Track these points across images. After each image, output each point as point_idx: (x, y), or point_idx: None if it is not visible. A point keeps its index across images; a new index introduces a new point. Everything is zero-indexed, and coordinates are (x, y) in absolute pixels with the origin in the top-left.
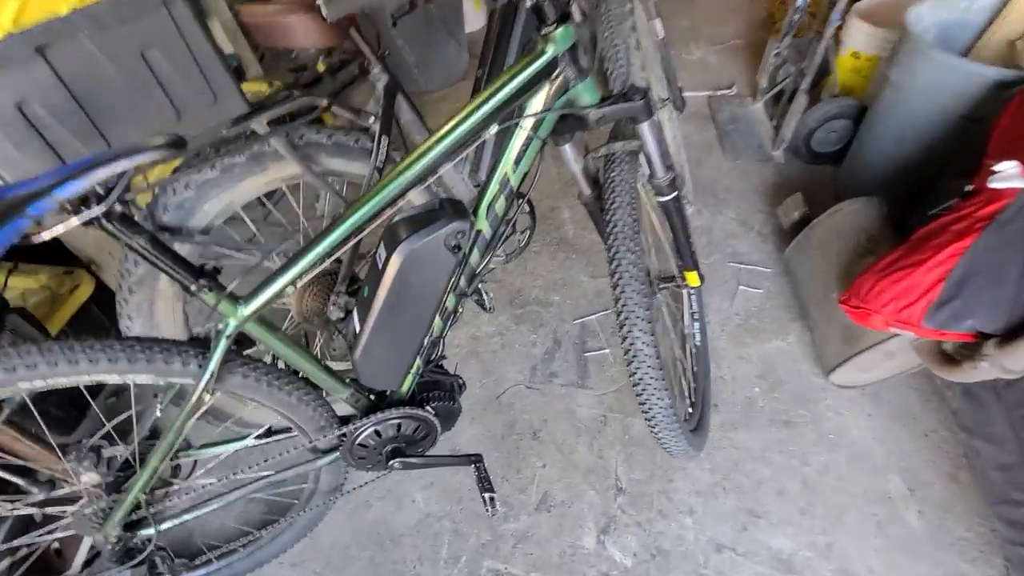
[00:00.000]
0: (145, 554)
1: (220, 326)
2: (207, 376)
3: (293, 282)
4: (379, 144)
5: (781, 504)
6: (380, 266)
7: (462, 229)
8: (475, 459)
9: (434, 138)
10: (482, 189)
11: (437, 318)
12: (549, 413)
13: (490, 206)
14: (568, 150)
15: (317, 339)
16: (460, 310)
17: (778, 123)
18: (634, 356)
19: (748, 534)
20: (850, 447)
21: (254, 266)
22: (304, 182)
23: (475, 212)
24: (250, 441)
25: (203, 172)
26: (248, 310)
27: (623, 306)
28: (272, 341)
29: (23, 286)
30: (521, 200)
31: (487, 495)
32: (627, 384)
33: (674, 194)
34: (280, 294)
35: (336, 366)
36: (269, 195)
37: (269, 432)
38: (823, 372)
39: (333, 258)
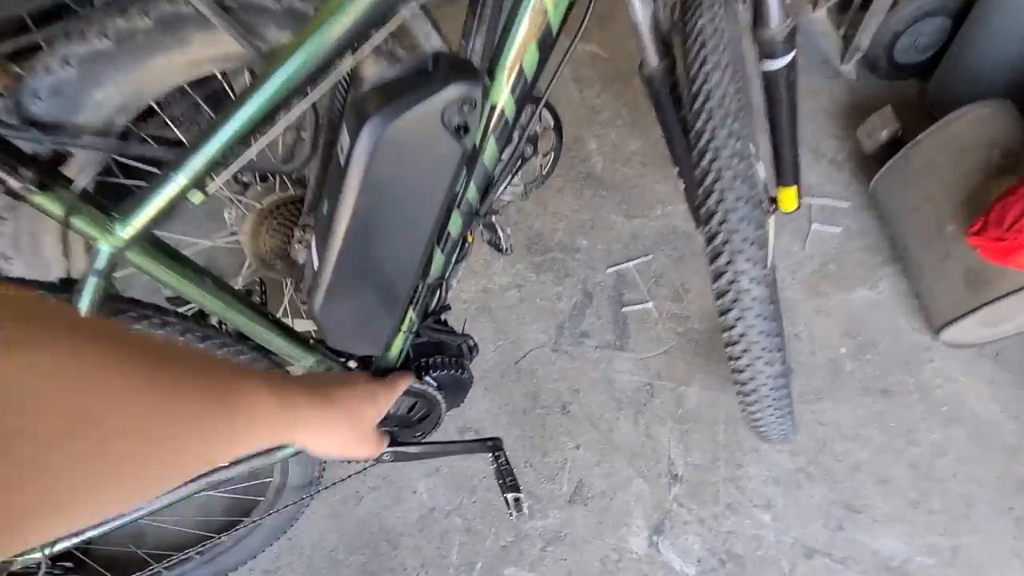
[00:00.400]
0: None
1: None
2: None
3: (198, 185)
4: None
5: (886, 495)
6: (343, 160)
7: (469, 96)
8: (493, 444)
9: None
10: (498, 45)
11: (437, 250)
12: (581, 382)
13: (514, 70)
14: None
15: (285, 289)
16: (470, 240)
17: (848, 32)
18: (738, 307)
19: (845, 534)
20: (970, 422)
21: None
22: (250, 68)
23: (490, 74)
24: None
25: (88, 42)
26: (128, 230)
27: (721, 233)
28: (183, 284)
29: None
30: (538, 106)
31: (511, 496)
32: (678, 345)
33: (790, 56)
34: (174, 204)
35: (306, 325)
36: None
37: None
38: (930, 328)
39: (258, 145)
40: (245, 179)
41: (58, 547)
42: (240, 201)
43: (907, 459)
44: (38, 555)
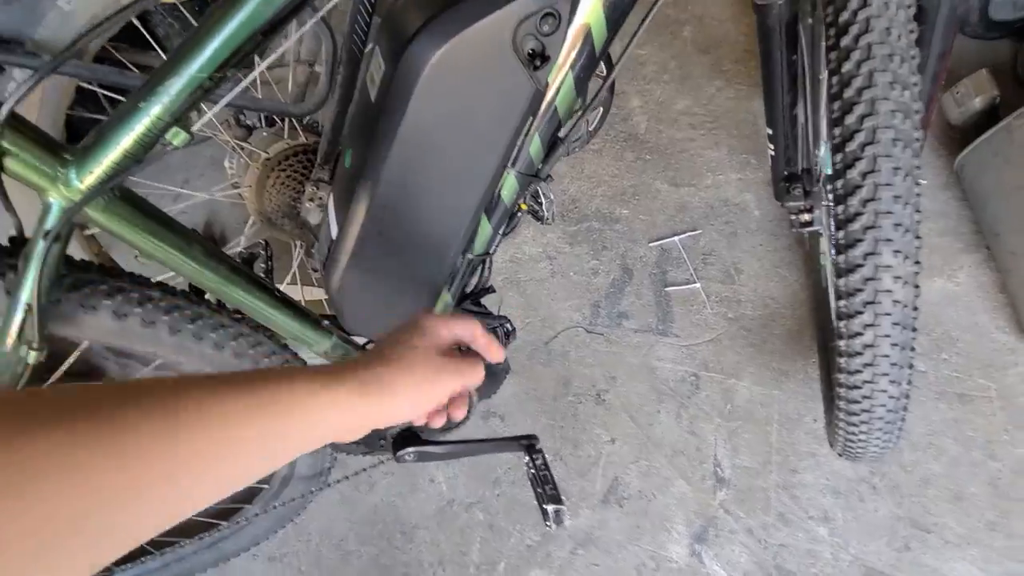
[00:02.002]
0: None
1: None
2: (16, 312)
3: (177, 120)
4: None
5: (960, 514)
6: (374, 96)
7: (554, 5)
8: (528, 443)
9: None
10: None
11: (483, 218)
12: (619, 368)
13: None
14: None
15: (294, 253)
16: (522, 209)
17: None
18: (871, 312)
19: (912, 555)
20: None
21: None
22: None
23: None
24: None
25: None
26: (87, 178)
27: (865, 215)
28: (162, 250)
29: None
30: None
31: (551, 508)
32: (727, 332)
33: None
34: (147, 145)
35: (318, 294)
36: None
37: None
38: (1018, 328)
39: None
40: (249, 122)
41: None
42: (242, 148)
43: (985, 474)
44: None
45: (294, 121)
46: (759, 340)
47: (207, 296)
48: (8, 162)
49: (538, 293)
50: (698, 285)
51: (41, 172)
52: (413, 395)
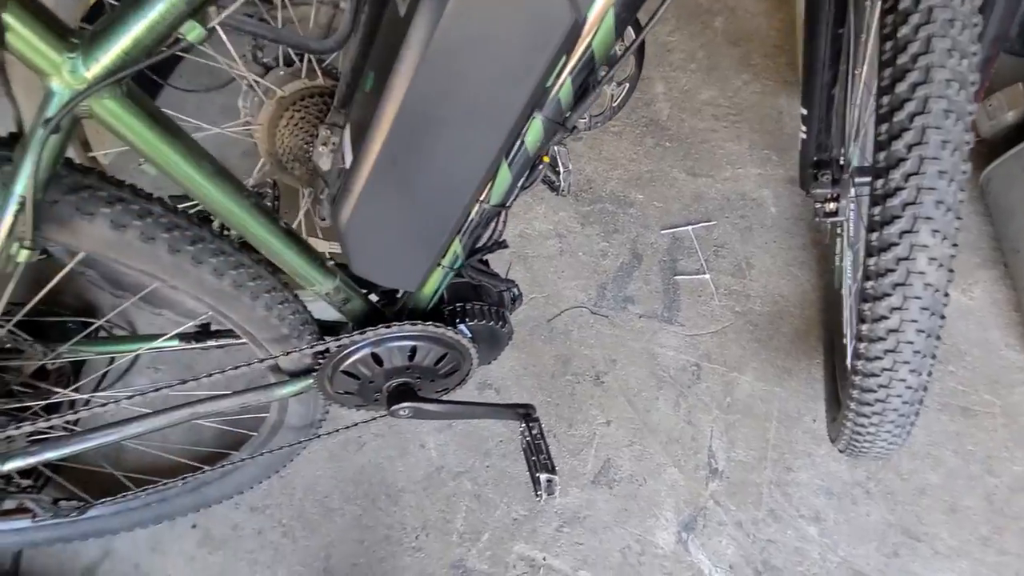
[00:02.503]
0: None
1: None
2: (9, 205)
3: (195, 11)
4: None
5: (953, 526)
6: (402, 10)
7: None
8: (526, 412)
9: None
10: None
11: (504, 164)
12: (620, 352)
13: None
14: None
15: (302, 201)
16: (544, 161)
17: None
18: (900, 294)
19: (900, 562)
20: None
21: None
22: None
23: None
24: (166, 344)
25: None
26: (93, 67)
27: (906, 190)
28: (168, 159)
29: None
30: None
31: (543, 476)
32: (733, 326)
33: None
34: (160, 36)
35: (323, 245)
36: None
37: (206, 331)
38: None
39: None
40: (266, 59)
41: (17, 463)
42: (258, 84)
43: (982, 489)
44: None
45: (313, 62)
46: (765, 336)
47: (212, 222)
48: (10, 39)
49: (545, 270)
50: (707, 276)
51: (44, 55)
52: None
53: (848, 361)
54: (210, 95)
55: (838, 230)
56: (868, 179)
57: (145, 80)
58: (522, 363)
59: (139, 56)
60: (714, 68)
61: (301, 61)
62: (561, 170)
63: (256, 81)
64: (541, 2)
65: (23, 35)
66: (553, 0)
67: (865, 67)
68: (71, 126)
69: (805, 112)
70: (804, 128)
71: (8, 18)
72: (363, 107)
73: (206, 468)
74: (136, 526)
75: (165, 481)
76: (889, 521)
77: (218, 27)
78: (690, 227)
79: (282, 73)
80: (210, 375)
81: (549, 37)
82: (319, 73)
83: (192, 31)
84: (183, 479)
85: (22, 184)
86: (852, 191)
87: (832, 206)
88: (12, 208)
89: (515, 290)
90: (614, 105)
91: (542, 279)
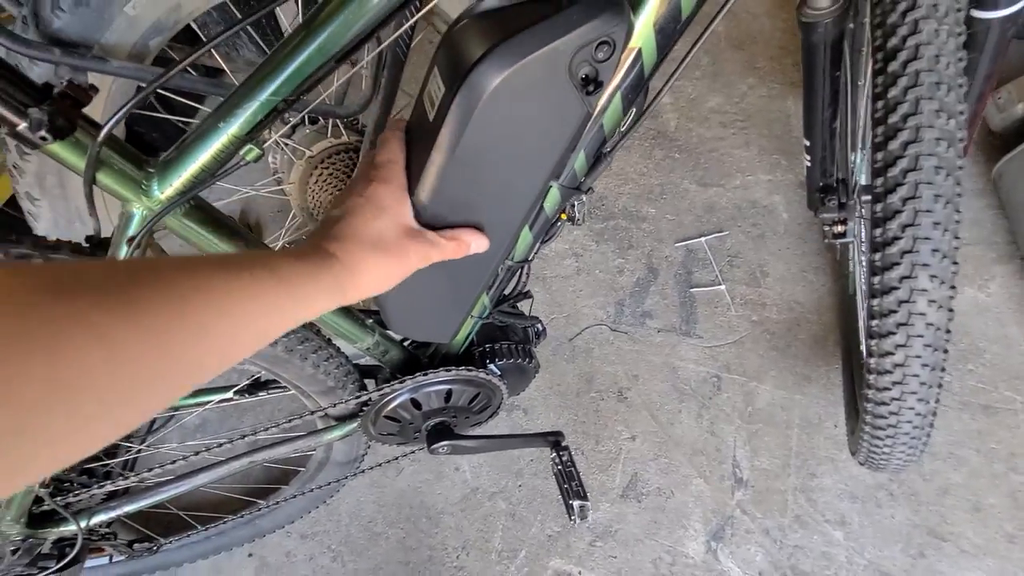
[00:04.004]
0: (76, 552)
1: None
2: None
3: (251, 137)
4: None
5: (977, 525)
6: (431, 116)
7: (611, 34)
8: (555, 440)
9: None
10: None
11: (525, 228)
12: (641, 367)
13: (667, 5)
14: None
15: None
16: (562, 219)
17: None
18: (903, 333)
19: (927, 563)
20: None
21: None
22: None
23: (633, 8)
24: (224, 397)
25: None
26: (167, 190)
27: (903, 239)
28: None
29: None
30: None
31: (576, 503)
32: (751, 335)
33: (1016, 7)
34: (223, 160)
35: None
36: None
37: (257, 384)
38: None
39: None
40: (293, 120)
41: (100, 518)
42: (287, 145)
43: (1006, 487)
44: (74, 527)
45: (337, 120)
46: (783, 344)
47: None
48: (101, 175)
49: (563, 290)
50: (723, 287)
51: (128, 185)
52: (381, 278)
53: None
54: None
55: (850, 240)
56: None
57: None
58: (547, 383)
59: (205, 177)
60: (719, 74)
61: (326, 120)
62: (577, 203)
63: (285, 143)
64: (558, 103)
65: (112, 171)
66: (568, 99)
67: (866, 97)
68: (147, 237)
69: (808, 143)
70: (808, 157)
71: (101, 159)
72: None
73: (261, 503)
74: (199, 558)
75: (226, 518)
76: (914, 522)
77: None
78: (703, 238)
79: (308, 132)
80: (275, 425)
81: (565, 129)
82: (343, 130)
83: (250, 153)
84: (240, 514)
85: None
86: (859, 210)
87: (840, 228)
88: None
89: (539, 326)
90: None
91: (561, 299)
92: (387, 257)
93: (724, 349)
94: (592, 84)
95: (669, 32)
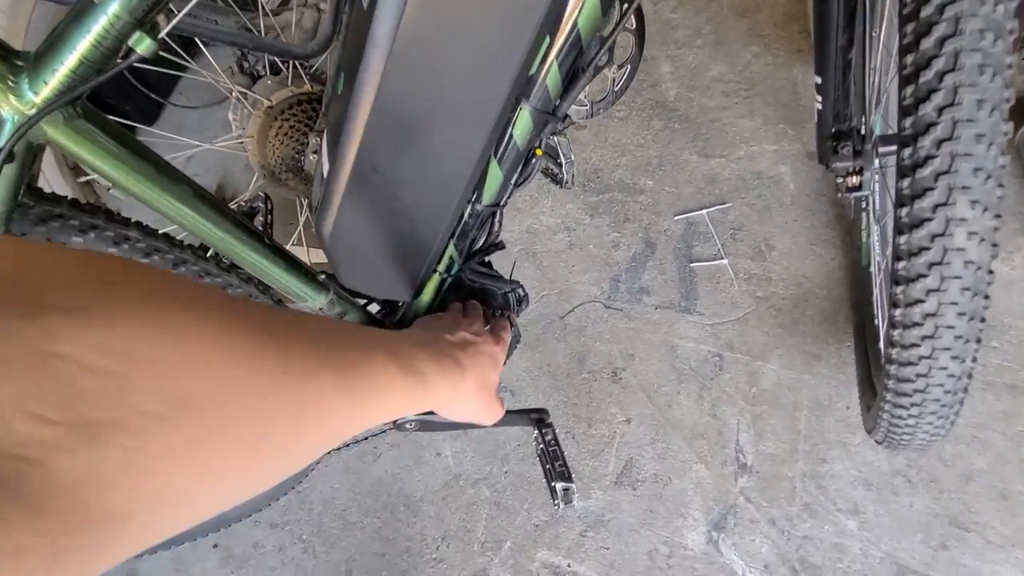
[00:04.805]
0: None
1: None
2: None
3: (141, 22)
4: None
5: (1004, 514)
6: (365, 3)
7: None
8: (539, 418)
9: None
10: None
11: (493, 161)
12: (637, 346)
13: None
14: None
15: (300, 213)
16: (537, 154)
17: None
18: (937, 274)
19: (949, 555)
20: None
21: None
22: None
23: None
24: None
25: None
26: (42, 89)
27: (938, 158)
28: (135, 182)
29: None
30: None
31: (560, 485)
32: (756, 312)
33: None
34: (108, 52)
35: (322, 257)
36: None
37: None
38: None
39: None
40: (253, 70)
41: None
42: (246, 96)
43: None
44: None
45: (299, 69)
46: (790, 321)
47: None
48: None
49: (555, 265)
50: (725, 261)
51: None
52: (467, 411)
53: (881, 345)
54: (211, 111)
55: (863, 205)
56: (894, 148)
57: (147, 100)
58: (536, 363)
59: (88, 74)
60: (721, 42)
61: (287, 69)
62: (563, 161)
63: (243, 93)
64: None
65: None
66: None
67: (884, 26)
68: (29, 154)
69: (819, 80)
70: (819, 98)
71: None
72: (336, 111)
73: None
74: (160, 549)
75: None
76: (934, 511)
77: (198, 40)
78: (704, 211)
79: (269, 83)
80: None
81: (528, 14)
82: (305, 80)
83: (141, 42)
84: None
85: None
86: (876, 162)
87: (855, 180)
88: None
89: (520, 291)
90: (616, 89)
91: (552, 275)
92: (482, 398)
93: (727, 327)
94: None
95: None
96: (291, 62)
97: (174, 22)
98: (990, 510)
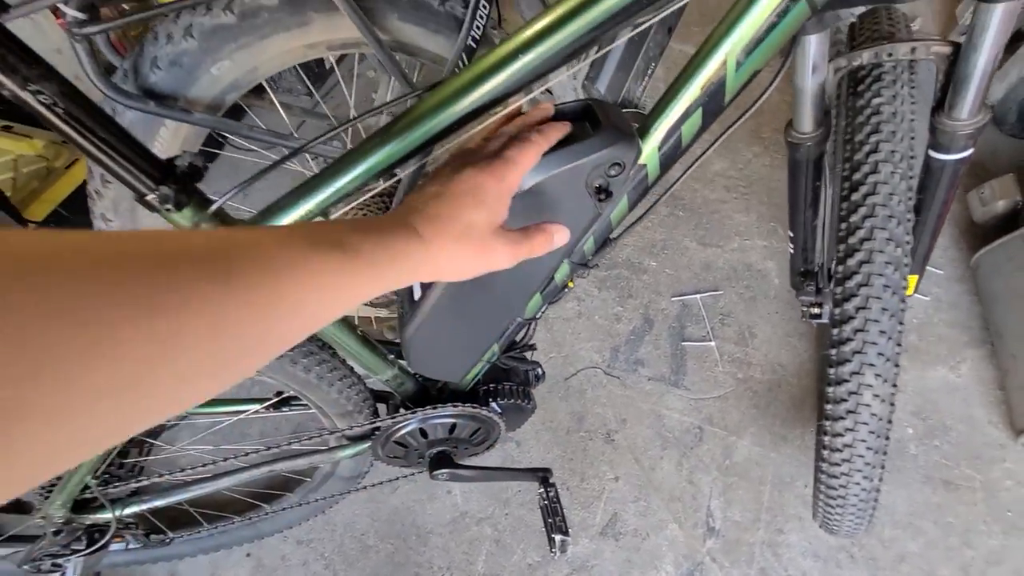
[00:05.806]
0: (107, 538)
1: None
2: None
3: (323, 215)
4: (474, 12)
5: None
6: None
7: (622, 158)
8: (543, 476)
9: (549, 20)
10: (661, 101)
11: (537, 294)
12: (630, 412)
13: (671, 133)
14: (813, 44)
15: None
16: (570, 286)
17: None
18: (851, 419)
19: None
20: None
21: (269, 168)
22: (362, 55)
23: (643, 131)
24: (253, 408)
25: (214, 15)
26: None
27: (854, 341)
28: None
29: (17, 151)
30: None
31: (558, 537)
32: (735, 392)
33: (967, 153)
34: None
35: (367, 311)
36: (308, 70)
37: (283, 401)
38: (1010, 427)
39: (389, 182)
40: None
41: (132, 509)
42: None
43: (959, 560)
44: (108, 515)
45: None
46: (764, 403)
47: None
48: None
49: (563, 331)
50: (713, 343)
51: None
52: (460, 268)
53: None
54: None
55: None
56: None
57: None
58: (541, 419)
59: None
60: (726, 140)
61: None
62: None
63: None
64: (575, 204)
65: (194, 223)
66: (583, 202)
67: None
68: None
69: (791, 234)
70: (791, 245)
71: (198, 223)
72: None
73: (265, 507)
74: (200, 552)
75: (232, 518)
76: None
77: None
78: (698, 295)
79: None
80: (296, 439)
81: (578, 224)
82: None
83: None
84: (247, 516)
85: None
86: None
87: (816, 310)
88: None
89: (539, 370)
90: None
91: (561, 339)
92: (471, 250)
93: (709, 402)
94: (604, 193)
95: (671, 154)
96: None
97: (341, 212)
98: None
